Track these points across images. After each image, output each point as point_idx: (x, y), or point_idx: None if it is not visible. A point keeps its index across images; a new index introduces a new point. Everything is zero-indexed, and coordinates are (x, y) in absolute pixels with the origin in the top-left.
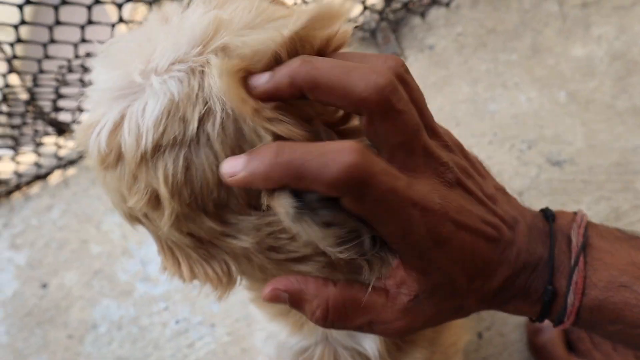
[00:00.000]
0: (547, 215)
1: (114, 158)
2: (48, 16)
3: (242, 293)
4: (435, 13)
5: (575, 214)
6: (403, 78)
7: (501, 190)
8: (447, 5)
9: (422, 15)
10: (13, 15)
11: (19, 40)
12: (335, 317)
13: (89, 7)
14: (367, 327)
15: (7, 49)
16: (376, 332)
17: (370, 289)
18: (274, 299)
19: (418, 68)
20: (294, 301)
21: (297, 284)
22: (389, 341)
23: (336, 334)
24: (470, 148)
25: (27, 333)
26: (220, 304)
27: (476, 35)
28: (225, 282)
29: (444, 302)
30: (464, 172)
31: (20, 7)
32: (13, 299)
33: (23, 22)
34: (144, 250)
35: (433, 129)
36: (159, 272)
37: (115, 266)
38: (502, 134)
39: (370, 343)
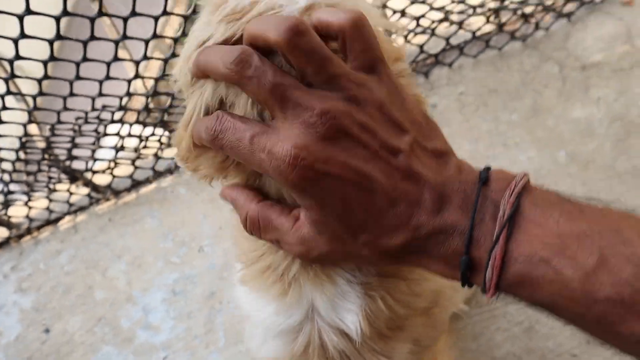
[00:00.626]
0: (481, 178)
1: None
2: (69, 70)
3: (242, 344)
4: (438, 73)
5: (514, 174)
6: (295, 35)
7: (438, 153)
8: (450, 65)
9: (426, 74)
10: (37, 69)
11: (41, 93)
12: (251, 228)
13: (108, 64)
14: (277, 244)
15: (30, 100)
16: (284, 249)
17: (281, 213)
18: (223, 196)
19: None
20: (233, 205)
21: (234, 194)
22: (373, 325)
23: (321, 311)
24: None
25: None
26: (221, 356)
27: (478, 94)
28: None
29: (333, 243)
30: (357, 125)
31: (45, 63)
32: (15, 343)
33: (46, 76)
34: (147, 297)
35: (331, 80)
36: (160, 320)
37: (119, 313)
38: None
39: (352, 319)
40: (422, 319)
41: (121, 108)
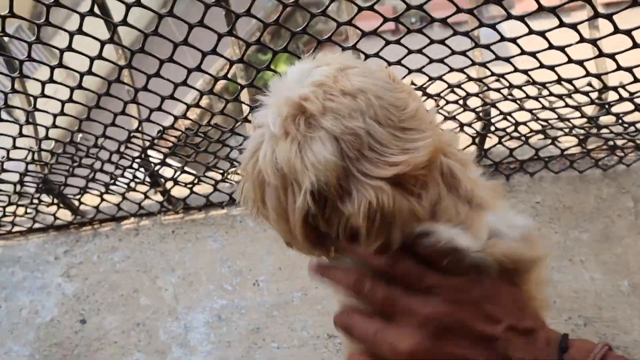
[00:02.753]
0: (561, 347)
1: None
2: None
3: None
4: (519, 179)
5: (595, 345)
6: None
7: (528, 331)
8: (532, 175)
9: (507, 177)
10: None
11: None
12: None
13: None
14: None
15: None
16: None
17: None
18: None
19: None
20: None
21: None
22: None
23: None
24: None
25: None
26: None
27: (553, 207)
28: None
29: None
30: (457, 322)
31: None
32: (49, 325)
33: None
34: (191, 316)
35: (429, 289)
36: (199, 342)
37: (158, 323)
38: (561, 304)
39: None
40: None
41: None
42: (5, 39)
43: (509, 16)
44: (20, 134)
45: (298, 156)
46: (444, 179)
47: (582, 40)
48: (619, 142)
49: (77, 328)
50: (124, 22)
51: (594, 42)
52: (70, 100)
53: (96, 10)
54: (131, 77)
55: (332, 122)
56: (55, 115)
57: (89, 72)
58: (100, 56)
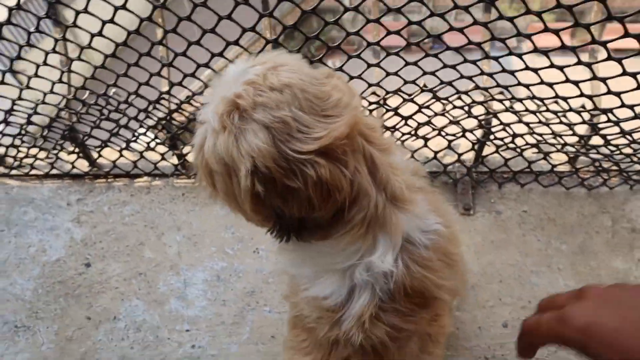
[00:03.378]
0: None
1: None
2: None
3: (263, 346)
4: (510, 187)
5: None
6: None
7: None
8: (522, 186)
9: (500, 185)
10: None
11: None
12: None
13: None
14: None
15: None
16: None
17: None
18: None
19: (483, 225)
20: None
21: None
22: None
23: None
24: (505, 306)
25: (51, 298)
26: (239, 349)
27: (538, 218)
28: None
29: None
30: None
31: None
32: (54, 264)
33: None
34: (191, 273)
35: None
36: (195, 297)
37: (159, 275)
38: (535, 305)
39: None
40: None
41: None
42: None
43: (519, 33)
44: (60, 80)
45: (234, 146)
46: (366, 163)
47: (579, 63)
48: (605, 165)
49: (81, 270)
50: None
51: (589, 65)
52: (114, 55)
53: None
54: (166, 48)
55: (262, 114)
56: (95, 67)
57: (137, 31)
58: (149, 18)
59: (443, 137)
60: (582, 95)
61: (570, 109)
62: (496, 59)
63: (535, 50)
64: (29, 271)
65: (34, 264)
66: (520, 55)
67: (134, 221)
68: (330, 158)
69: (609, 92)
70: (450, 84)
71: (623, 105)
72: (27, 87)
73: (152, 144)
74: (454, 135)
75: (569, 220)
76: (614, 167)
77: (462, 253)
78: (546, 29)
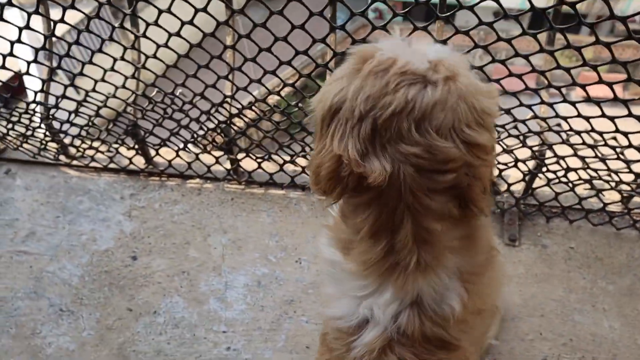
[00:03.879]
0: None
1: None
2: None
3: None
4: (558, 223)
5: None
6: None
7: None
8: (571, 222)
9: (548, 219)
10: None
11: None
12: None
13: None
14: None
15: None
16: None
17: None
18: None
19: (527, 257)
20: None
21: None
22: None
23: (427, 298)
24: (545, 341)
25: (96, 286)
26: (273, 355)
27: (585, 256)
28: None
29: None
30: None
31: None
32: (103, 254)
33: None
34: (233, 276)
35: None
36: (235, 300)
37: (202, 275)
38: (577, 343)
39: (451, 303)
40: None
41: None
42: None
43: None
44: (133, 76)
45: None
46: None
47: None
48: None
49: (128, 262)
50: None
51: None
52: (187, 55)
53: None
54: (234, 52)
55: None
56: (168, 66)
57: (212, 34)
58: (227, 22)
59: (495, 165)
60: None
61: (630, 145)
62: (551, 105)
63: (588, 99)
64: (79, 258)
65: (84, 252)
66: (573, 104)
67: (182, 220)
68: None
69: None
70: (508, 111)
71: None
72: (102, 79)
73: (209, 147)
74: (505, 164)
75: (618, 261)
76: None
77: (500, 298)
78: (600, 81)
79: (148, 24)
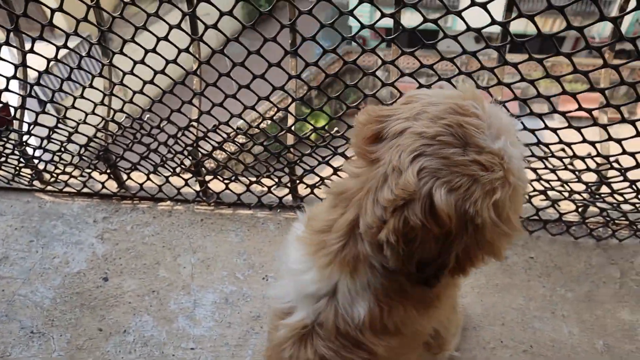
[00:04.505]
0: None
1: None
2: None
3: None
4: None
5: None
6: None
7: None
8: (530, 232)
9: None
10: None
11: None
12: None
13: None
14: None
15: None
16: None
17: None
18: None
19: (488, 268)
20: None
21: None
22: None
23: (341, 295)
24: (506, 348)
25: (67, 308)
26: None
27: (544, 265)
28: None
29: None
30: None
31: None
32: (75, 276)
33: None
34: (201, 294)
35: None
36: (203, 317)
37: (171, 294)
38: (537, 350)
39: (359, 310)
40: None
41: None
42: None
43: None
44: (102, 103)
45: None
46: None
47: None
48: (614, 216)
49: (99, 284)
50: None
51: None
52: (152, 82)
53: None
54: (201, 79)
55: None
56: (134, 92)
57: (174, 61)
58: (187, 50)
59: None
60: (584, 141)
61: (575, 155)
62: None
63: (531, 113)
64: (51, 280)
65: (57, 274)
66: (519, 117)
67: (153, 241)
68: None
69: (610, 138)
70: None
71: (625, 152)
72: (73, 106)
73: (178, 170)
74: None
75: (576, 269)
76: (623, 219)
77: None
78: (539, 95)
79: (114, 53)
